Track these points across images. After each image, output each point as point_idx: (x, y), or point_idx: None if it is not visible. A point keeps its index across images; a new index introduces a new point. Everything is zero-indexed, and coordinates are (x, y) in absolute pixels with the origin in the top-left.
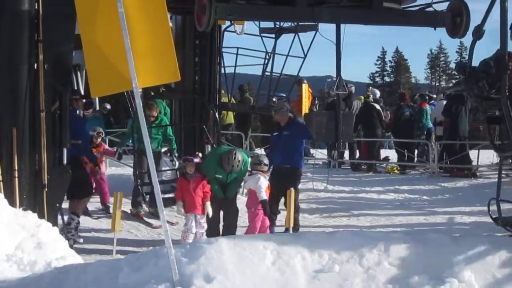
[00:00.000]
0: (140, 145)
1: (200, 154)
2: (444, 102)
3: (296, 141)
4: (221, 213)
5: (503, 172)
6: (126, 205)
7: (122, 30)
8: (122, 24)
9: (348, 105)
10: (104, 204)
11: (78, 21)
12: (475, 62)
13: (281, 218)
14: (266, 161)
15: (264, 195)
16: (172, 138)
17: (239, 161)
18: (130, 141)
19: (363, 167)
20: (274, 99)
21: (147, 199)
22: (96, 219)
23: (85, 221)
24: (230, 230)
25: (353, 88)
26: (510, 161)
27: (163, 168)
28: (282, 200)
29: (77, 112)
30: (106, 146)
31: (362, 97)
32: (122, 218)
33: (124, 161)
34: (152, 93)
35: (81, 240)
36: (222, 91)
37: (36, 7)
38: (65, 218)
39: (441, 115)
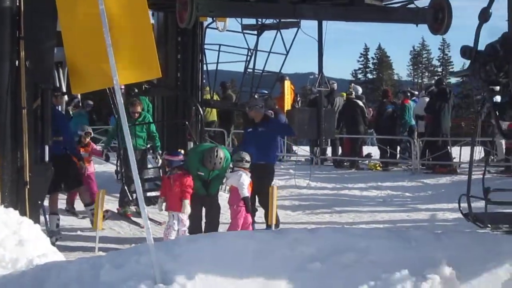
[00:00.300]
0: (124, 143)
1: (182, 151)
2: (427, 99)
3: (271, 137)
4: (203, 210)
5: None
6: (111, 203)
7: (103, 27)
8: (103, 21)
9: (330, 101)
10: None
11: (59, 18)
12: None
13: (259, 215)
14: (247, 158)
15: (246, 192)
16: (155, 135)
17: (221, 158)
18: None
19: (345, 164)
20: (255, 96)
21: (134, 198)
22: (81, 218)
23: (68, 219)
24: (212, 227)
25: (335, 85)
26: (492, 157)
27: (149, 166)
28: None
29: (59, 108)
30: (95, 146)
31: (344, 94)
32: (109, 216)
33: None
34: (136, 90)
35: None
36: (207, 88)
37: (18, 4)
38: (47, 218)
39: (423, 112)
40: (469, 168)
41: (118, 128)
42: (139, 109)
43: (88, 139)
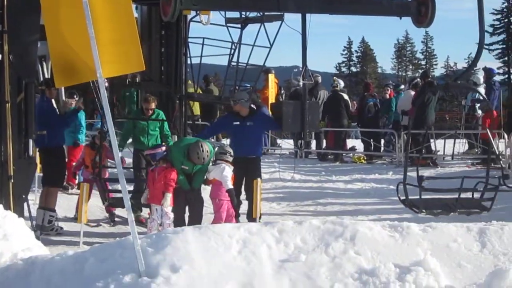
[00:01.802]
0: (137, 144)
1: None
2: (412, 92)
3: (260, 131)
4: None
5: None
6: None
7: (86, 20)
8: (86, 13)
9: (314, 95)
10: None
11: (42, 11)
12: None
13: (243, 208)
14: (231, 151)
15: (230, 184)
16: (168, 133)
17: (207, 151)
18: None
19: (329, 157)
20: (239, 90)
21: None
22: (66, 212)
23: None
24: (195, 220)
25: (319, 78)
26: (476, 150)
27: None
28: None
29: (51, 101)
30: (109, 148)
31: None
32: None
33: None
34: (129, 81)
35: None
36: (189, 82)
37: None
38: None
39: (408, 105)
40: (404, 158)
41: (129, 129)
42: (153, 105)
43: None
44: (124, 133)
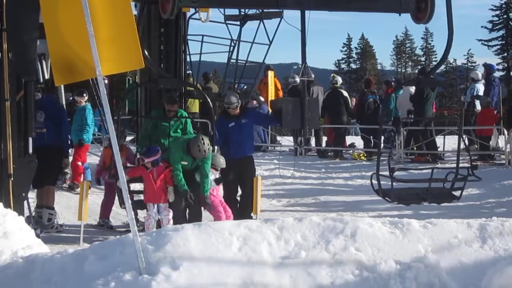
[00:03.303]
0: (157, 143)
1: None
2: (411, 89)
3: (252, 128)
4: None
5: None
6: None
7: (85, 17)
8: (85, 11)
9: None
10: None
11: (41, 9)
12: None
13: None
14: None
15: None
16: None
17: (208, 144)
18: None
19: (329, 153)
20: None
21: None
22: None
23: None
24: (195, 219)
25: (312, 75)
26: (476, 146)
27: None
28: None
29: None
30: (130, 150)
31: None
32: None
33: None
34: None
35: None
36: (191, 79)
37: None
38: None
39: (408, 102)
40: (377, 150)
41: (148, 129)
42: (176, 107)
43: (121, 142)
44: (143, 133)
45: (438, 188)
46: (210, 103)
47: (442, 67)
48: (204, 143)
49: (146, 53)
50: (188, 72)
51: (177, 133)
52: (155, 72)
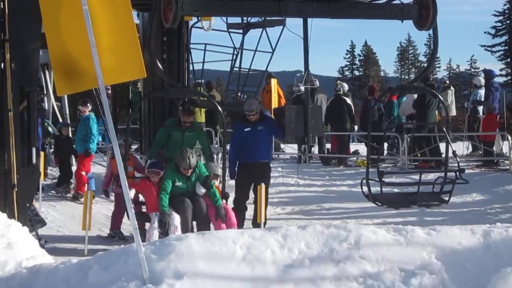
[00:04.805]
0: (168, 153)
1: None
2: (415, 95)
3: (270, 135)
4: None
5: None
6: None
7: (86, 27)
8: (87, 21)
9: (312, 99)
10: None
11: (42, 19)
12: None
13: (248, 214)
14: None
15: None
16: (207, 149)
17: (191, 153)
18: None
19: (333, 161)
20: (255, 99)
21: None
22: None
23: (56, 220)
24: (204, 225)
25: (317, 82)
26: (480, 152)
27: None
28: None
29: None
30: (137, 159)
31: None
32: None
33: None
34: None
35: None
36: (200, 88)
37: (2, 6)
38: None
39: (410, 109)
40: (367, 155)
41: (161, 138)
42: (192, 119)
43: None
44: (155, 142)
45: (427, 192)
46: (221, 111)
47: (445, 73)
48: (186, 151)
49: (158, 63)
50: (198, 81)
51: (189, 145)
52: (157, 81)
